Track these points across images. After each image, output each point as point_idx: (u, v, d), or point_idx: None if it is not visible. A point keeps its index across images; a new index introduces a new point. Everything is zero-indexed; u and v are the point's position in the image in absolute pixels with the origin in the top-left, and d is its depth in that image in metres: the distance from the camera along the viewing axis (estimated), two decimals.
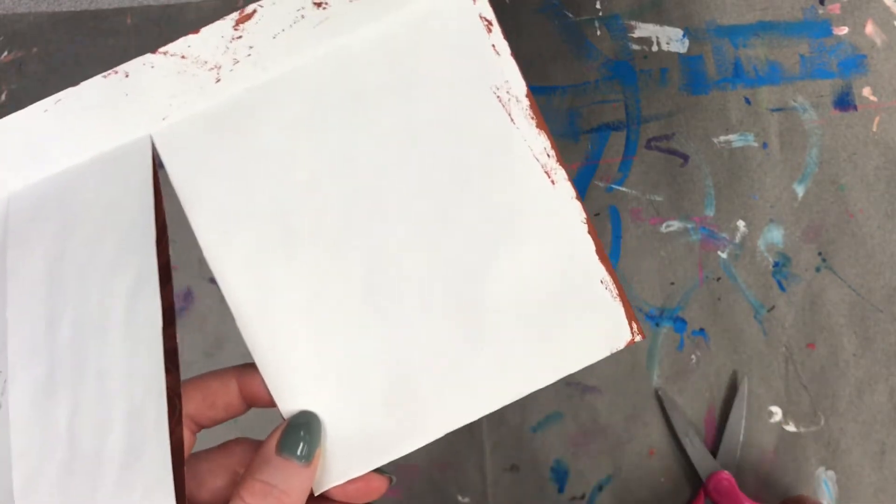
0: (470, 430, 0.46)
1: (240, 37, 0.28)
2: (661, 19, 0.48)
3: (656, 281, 0.46)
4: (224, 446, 0.30)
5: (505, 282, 0.28)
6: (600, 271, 0.28)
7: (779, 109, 0.47)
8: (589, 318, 0.28)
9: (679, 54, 0.48)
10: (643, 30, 0.48)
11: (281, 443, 0.27)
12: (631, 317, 0.28)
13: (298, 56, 0.29)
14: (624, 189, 0.47)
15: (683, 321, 0.46)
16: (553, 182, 0.28)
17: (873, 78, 0.46)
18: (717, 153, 0.47)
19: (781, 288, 0.45)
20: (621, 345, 0.28)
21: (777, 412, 0.45)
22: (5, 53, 0.51)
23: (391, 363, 0.28)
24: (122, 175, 0.29)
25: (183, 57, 0.28)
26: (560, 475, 0.45)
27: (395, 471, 0.30)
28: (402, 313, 0.28)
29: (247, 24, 0.28)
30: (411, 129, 0.28)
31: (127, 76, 0.28)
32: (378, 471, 0.29)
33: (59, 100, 0.28)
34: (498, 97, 0.28)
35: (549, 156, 0.28)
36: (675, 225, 0.47)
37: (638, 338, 0.28)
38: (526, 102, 0.28)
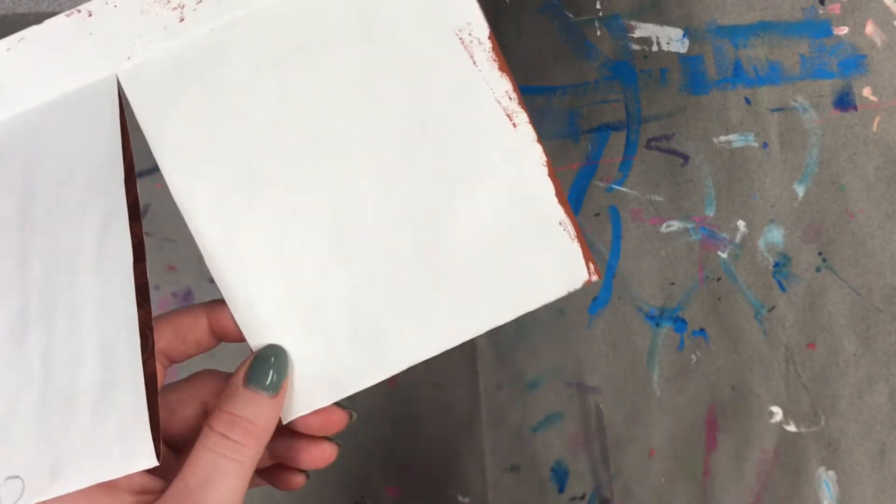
0: (470, 430, 0.46)
1: None
2: (662, 19, 0.48)
3: (656, 281, 0.46)
4: (193, 378, 0.31)
5: (464, 222, 0.29)
6: (559, 213, 0.28)
7: (779, 109, 0.47)
8: (546, 258, 0.28)
9: (679, 54, 0.48)
10: (643, 30, 0.48)
11: (248, 375, 0.28)
12: (588, 257, 0.28)
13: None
14: (624, 189, 0.47)
15: (683, 321, 0.46)
16: (514, 125, 0.28)
17: (873, 78, 0.46)
18: (717, 153, 0.47)
19: (782, 288, 0.45)
20: (578, 284, 0.28)
21: (777, 412, 0.45)
22: None
23: (355, 300, 0.29)
24: (88, 114, 0.29)
25: None
26: (560, 475, 0.45)
27: (362, 419, 0.32)
28: (366, 253, 0.29)
29: None
30: (373, 72, 0.29)
31: (90, 15, 0.29)
32: (339, 406, 0.30)
33: (23, 38, 0.29)
34: (461, 39, 0.28)
35: (511, 98, 0.28)
36: (676, 225, 0.47)
37: (594, 277, 0.28)
38: (488, 45, 0.28)
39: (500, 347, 0.47)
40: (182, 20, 0.29)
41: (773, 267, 0.46)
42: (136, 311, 0.27)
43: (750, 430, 0.45)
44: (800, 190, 0.46)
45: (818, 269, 0.45)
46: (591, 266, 0.28)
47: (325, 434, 0.30)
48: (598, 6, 0.49)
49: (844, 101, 0.46)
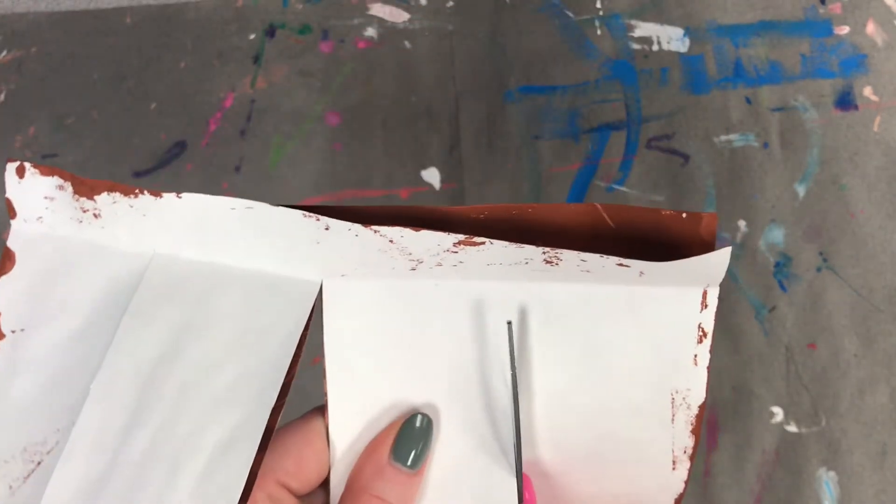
0: None
1: (455, 252, 0.27)
2: (662, 18, 0.48)
3: None
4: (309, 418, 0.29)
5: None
6: None
7: (780, 109, 0.47)
8: None
9: (680, 54, 0.48)
10: (644, 29, 0.48)
11: (394, 450, 0.27)
12: None
13: (503, 282, 0.28)
14: (624, 189, 0.47)
15: None
16: (674, 468, 0.29)
17: (874, 77, 0.46)
18: (717, 153, 0.47)
19: (782, 288, 0.45)
20: None
21: (778, 412, 0.45)
22: (4, 53, 0.51)
23: None
24: (274, 305, 0.28)
25: (391, 241, 0.27)
26: None
27: None
28: None
29: (469, 248, 0.27)
30: (577, 393, 0.29)
31: (327, 229, 0.27)
32: None
33: (251, 207, 0.27)
34: (672, 399, 0.29)
35: (685, 453, 0.29)
36: None
37: None
38: (695, 412, 0.28)
39: None
40: (413, 270, 0.28)
41: (774, 267, 0.46)
42: None
43: (751, 430, 0.44)
44: (800, 190, 0.46)
45: (819, 270, 0.45)
46: None
47: None
48: (598, 5, 0.49)
49: (845, 101, 0.46)
